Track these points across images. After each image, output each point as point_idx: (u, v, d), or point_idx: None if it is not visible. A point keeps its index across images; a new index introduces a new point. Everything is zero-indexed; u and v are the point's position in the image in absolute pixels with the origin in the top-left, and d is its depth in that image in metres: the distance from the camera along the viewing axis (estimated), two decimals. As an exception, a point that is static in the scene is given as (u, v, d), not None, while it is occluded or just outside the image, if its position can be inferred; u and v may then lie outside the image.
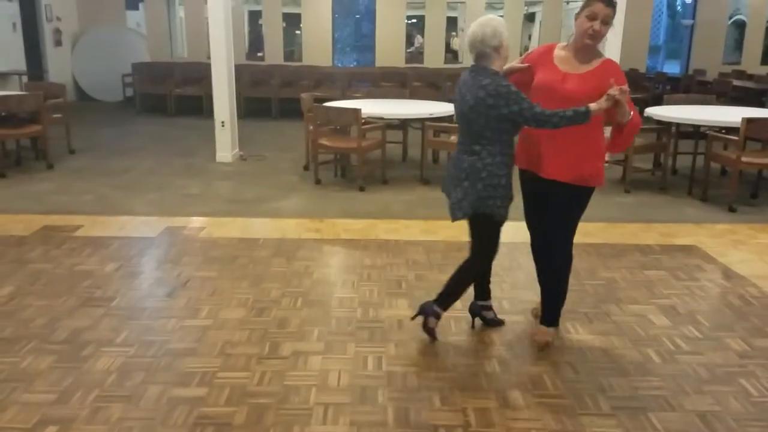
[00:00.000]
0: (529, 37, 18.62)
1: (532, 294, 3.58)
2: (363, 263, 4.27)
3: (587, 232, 4.65)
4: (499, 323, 3.36)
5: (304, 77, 11.93)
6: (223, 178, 6.71)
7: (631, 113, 2.82)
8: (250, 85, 11.54)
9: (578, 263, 3.58)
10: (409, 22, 15.95)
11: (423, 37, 14.30)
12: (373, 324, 3.37)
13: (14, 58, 11.46)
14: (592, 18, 2.82)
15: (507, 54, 2.92)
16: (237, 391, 2.71)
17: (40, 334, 3.20)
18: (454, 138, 6.54)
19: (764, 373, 2.91)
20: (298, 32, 14.44)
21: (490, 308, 3.35)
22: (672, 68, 18.10)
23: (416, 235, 4.88)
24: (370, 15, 14.29)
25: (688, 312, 3.57)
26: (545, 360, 3.04)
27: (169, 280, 3.95)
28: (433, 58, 13.76)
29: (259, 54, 14.35)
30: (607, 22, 2.84)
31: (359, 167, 6.34)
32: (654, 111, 6.34)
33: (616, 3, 2.90)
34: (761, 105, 10.05)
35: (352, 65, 17.65)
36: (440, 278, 3.97)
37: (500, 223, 3.03)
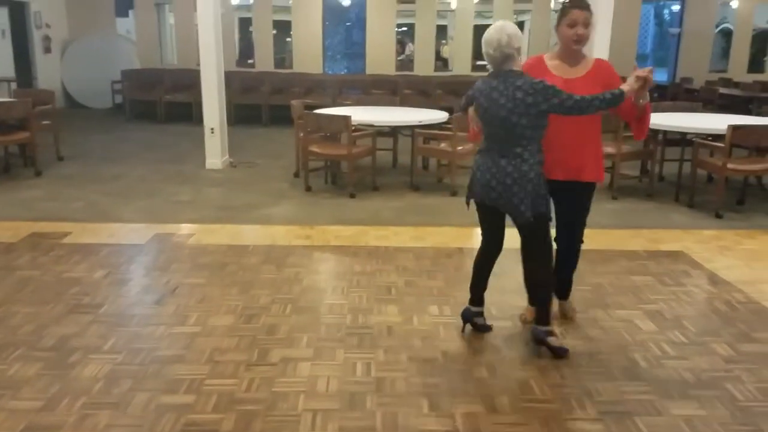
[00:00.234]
0: (519, 46, 18.72)
1: (520, 299, 3.61)
2: (353, 270, 4.28)
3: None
4: (487, 329, 3.38)
5: (295, 84, 11.95)
6: (213, 185, 6.70)
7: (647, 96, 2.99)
8: (241, 92, 11.54)
9: (566, 269, 3.60)
10: (399, 30, 16.02)
11: (413, 44, 14.39)
12: (363, 330, 3.38)
13: (3, 65, 11.44)
14: (572, 25, 2.97)
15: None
16: (225, 398, 2.71)
17: (28, 341, 3.19)
18: (444, 145, 6.58)
19: (750, 378, 2.94)
20: (288, 39, 14.48)
21: (482, 314, 3.37)
22: (660, 76, 18.24)
23: (406, 241, 4.90)
24: (361, 23, 14.36)
25: (674, 317, 3.60)
26: (533, 365, 3.05)
27: (158, 287, 3.94)
28: (423, 66, 13.84)
29: (250, 61, 14.37)
30: (587, 24, 2.99)
31: (349, 174, 6.35)
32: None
33: (589, 4, 3.03)
34: (747, 112, 10.16)
35: (342, 73, 17.71)
36: (429, 284, 4.00)
37: (551, 219, 3.09)
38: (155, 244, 4.77)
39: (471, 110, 3.15)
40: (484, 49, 2.89)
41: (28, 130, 6.98)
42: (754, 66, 14.37)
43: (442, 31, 18.54)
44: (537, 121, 2.86)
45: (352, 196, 6.24)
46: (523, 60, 3.02)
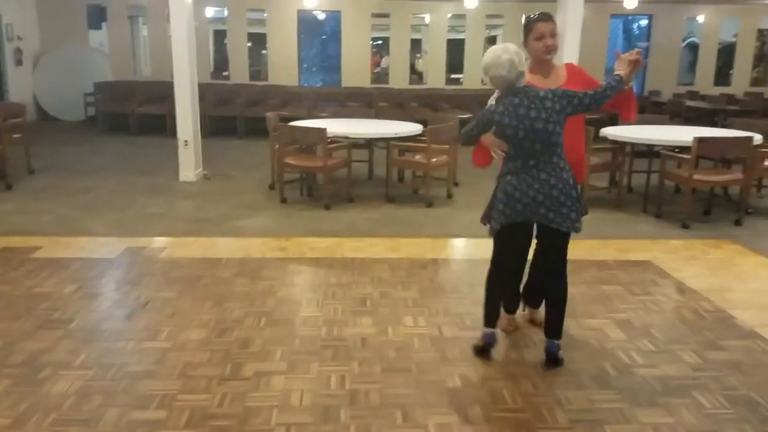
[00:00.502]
0: (492, 59, 18.98)
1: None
2: (328, 281, 4.29)
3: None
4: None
5: (271, 97, 11.95)
6: (187, 198, 6.66)
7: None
8: (215, 104, 11.50)
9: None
10: (375, 43, 16.14)
11: (388, 57, 14.52)
12: (337, 342, 3.38)
13: (-27, 78, 11.25)
14: (540, 38, 3.08)
15: None
16: (197, 414, 2.69)
17: (-5, 359, 3.13)
18: (419, 157, 6.64)
19: (716, 386, 3.00)
20: (264, 52, 14.49)
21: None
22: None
23: (381, 252, 4.92)
24: (336, 36, 14.44)
25: (643, 326, 3.67)
26: (505, 374, 3.09)
27: (129, 302, 3.90)
28: (398, 79, 13.97)
29: (225, 73, 14.34)
30: (554, 34, 3.14)
31: (325, 186, 6.37)
32: (610, 131, 6.53)
33: (551, 15, 3.18)
34: (714, 124, 10.42)
35: (318, 85, 17.74)
36: (404, 295, 4.03)
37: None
38: (127, 258, 4.73)
39: (487, 137, 3.05)
40: (494, 73, 2.88)
41: (-2, 143, 6.87)
42: (720, 79, 14.75)
43: (416, 45, 18.73)
44: (562, 126, 2.95)
45: (328, 207, 6.25)
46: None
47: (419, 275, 4.44)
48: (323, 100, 12.24)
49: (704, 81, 14.44)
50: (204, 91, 9.24)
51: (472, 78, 14.15)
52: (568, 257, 3.13)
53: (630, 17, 18.17)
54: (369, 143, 7.38)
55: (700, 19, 14.53)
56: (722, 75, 14.88)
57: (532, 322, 3.63)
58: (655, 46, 14.39)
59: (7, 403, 2.73)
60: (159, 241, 5.13)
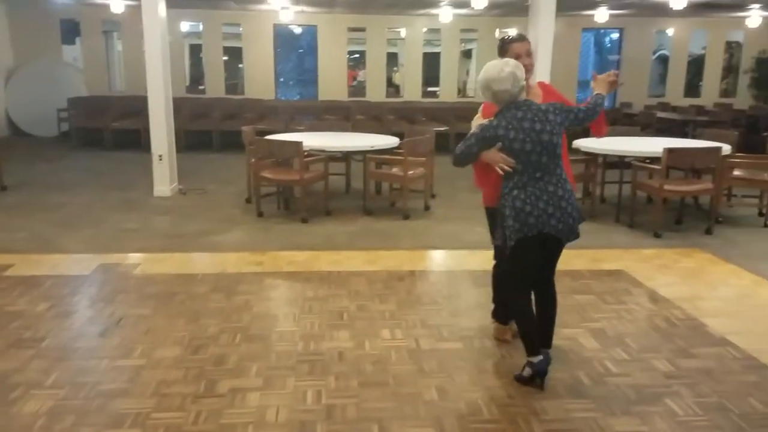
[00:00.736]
0: (467, 73, 19.21)
1: (470, 321, 3.66)
2: (305, 295, 4.27)
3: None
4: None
5: (247, 110, 11.93)
6: (162, 213, 6.60)
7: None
8: (191, 119, 11.44)
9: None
10: (351, 57, 16.22)
11: (365, 71, 14.61)
12: (314, 357, 3.37)
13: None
14: (516, 58, 3.11)
15: None
16: None
17: (-37, 380, 3.06)
18: (396, 169, 6.67)
19: (689, 393, 3.05)
20: (241, 66, 14.47)
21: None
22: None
23: (359, 265, 4.92)
24: (313, 50, 14.48)
25: (616, 335, 3.71)
26: (481, 385, 3.10)
27: (102, 319, 3.85)
28: (375, 92, 14.04)
29: (201, 87, 14.29)
30: (529, 53, 3.24)
31: (302, 199, 6.36)
32: (582, 143, 6.61)
33: (525, 35, 3.29)
34: (684, 135, 10.62)
35: (295, 98, 17.74)
36: (381, 308, 4.03)
37: None
38: (100, 275, 4.66)
39: (489, 154, 2.98)
40: (498, 88, 2.90)
41: (-33, 159, 6.76)
42: (690, 91, 15.08)
43: (393, 59, 18.88)
44: (561, 138, 3.03)
45: (305, 221, 6.24)
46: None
47: (396, 287, 4.45)
48: (300, 113, 12.25)
49: (675, 93, 14.75)
50: (179, 105, 9.19)
51: (448, 91, 14.30)
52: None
53: (601, 31, 18.51)
54: (346, 156, 7.40)
55: (670, 32, 14.87)
56: (692, 87, 15.21)
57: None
58: (626, 59, 14.68)
59: (-25, 426, 2.67)
60: (133, 257, 5.07)
